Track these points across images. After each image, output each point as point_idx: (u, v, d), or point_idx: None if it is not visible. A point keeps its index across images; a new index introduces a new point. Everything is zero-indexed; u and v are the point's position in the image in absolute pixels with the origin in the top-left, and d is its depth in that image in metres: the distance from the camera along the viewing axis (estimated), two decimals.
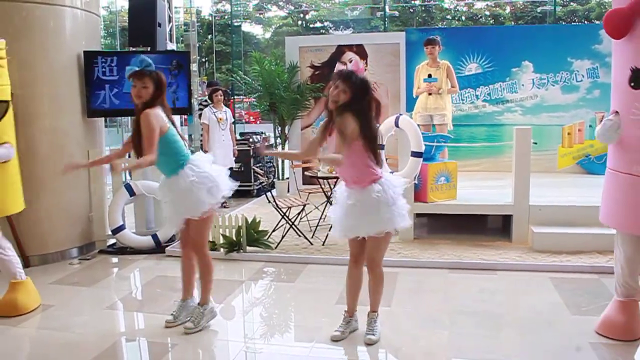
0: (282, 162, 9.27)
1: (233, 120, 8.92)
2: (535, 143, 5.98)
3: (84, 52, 5.79)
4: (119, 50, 12.37)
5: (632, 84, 3.33)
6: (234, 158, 8.44)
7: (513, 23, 28.04)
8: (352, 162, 3.35)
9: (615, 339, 3.54)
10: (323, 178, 6.19)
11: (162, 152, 3.58)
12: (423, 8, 30.27)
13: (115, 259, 5.85)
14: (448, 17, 30.59)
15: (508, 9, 30.10)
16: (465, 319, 4.01)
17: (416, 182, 5.95)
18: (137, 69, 3.60)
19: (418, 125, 6.33)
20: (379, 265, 3.61)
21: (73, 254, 5.82)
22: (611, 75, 3.70)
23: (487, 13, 30.81)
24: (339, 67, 8.95)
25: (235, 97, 22.00)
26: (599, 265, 4.99)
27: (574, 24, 25.98)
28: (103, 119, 6.54)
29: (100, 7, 6.51)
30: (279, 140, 9.30)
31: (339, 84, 3.32)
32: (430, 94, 7.10)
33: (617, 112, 3.49)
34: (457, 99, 8.35)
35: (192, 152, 3.96)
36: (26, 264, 5.36)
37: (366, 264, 3.62)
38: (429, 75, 7.11)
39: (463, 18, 30.68)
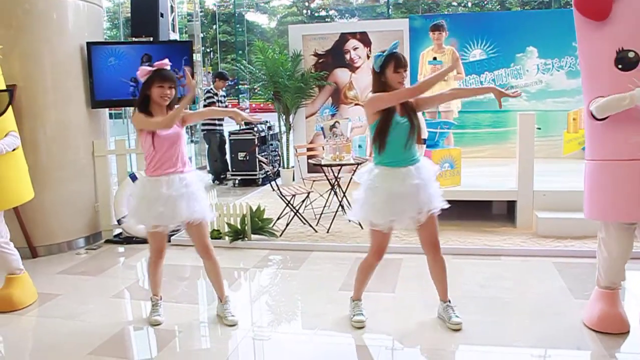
0: (287, 150, 9.29)
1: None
2: (539, 128, 5.97)
3: (87, 43, 5.81)
4: (122, 40, 12.37)
5: (620, 66, 3.20)
6: None
7: (520, 9, 27.80)
8: None
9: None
10: (327, 166, 6.19)
11: None
12: None
13: (121, 249, 5.90)
14: (454, 3, 30.38)
15: None
16: (471, 305, 4.01)
17: None
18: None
19: (423, 112, 6.29)
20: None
21: (80, 244, 5.87)
22: (583, 62, 3.48)
23: None
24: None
25: (240, 86, 22.06)
26: None
27: None
28: (107, 109, 6.57)
29: None
30: (284, 129, 9.31)
31: None
32: None
33: (601, 97, 3.30)
34: (461, 85, 8.31)
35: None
36: (33, 254, 5.43)
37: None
38: (434, 59, 7.02)
39: (469, 4, 30.45)
